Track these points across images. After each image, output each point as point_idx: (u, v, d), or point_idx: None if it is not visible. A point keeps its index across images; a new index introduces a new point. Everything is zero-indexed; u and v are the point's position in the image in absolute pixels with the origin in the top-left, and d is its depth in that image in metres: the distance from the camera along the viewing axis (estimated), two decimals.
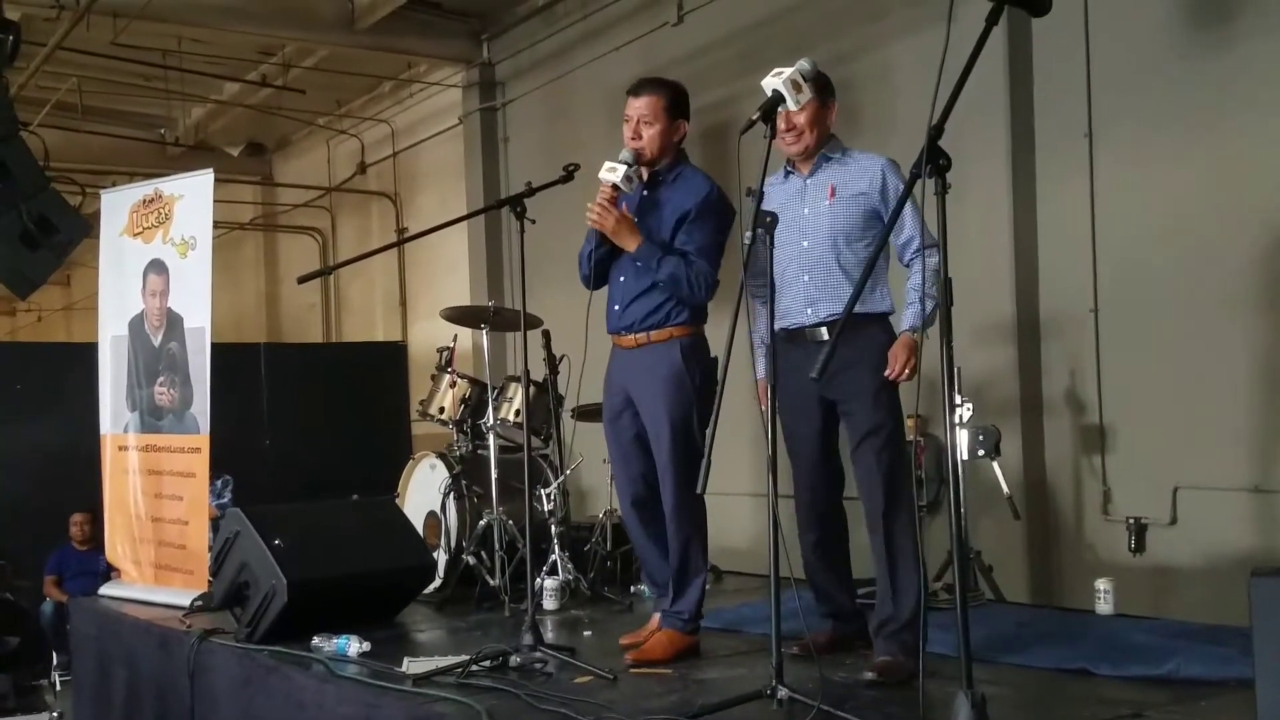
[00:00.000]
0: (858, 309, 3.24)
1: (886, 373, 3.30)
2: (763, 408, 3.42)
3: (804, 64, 3.18)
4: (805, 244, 3.46)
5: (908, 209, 3.30)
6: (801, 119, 3.42)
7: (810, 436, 3.49)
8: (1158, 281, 4.95)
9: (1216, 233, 4.75)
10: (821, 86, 3.45)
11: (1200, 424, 4.78)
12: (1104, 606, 4.07)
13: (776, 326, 3.40)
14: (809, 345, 3.40)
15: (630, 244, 3.59)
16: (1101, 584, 4.11)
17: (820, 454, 3.51)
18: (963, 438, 4.64)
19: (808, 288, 3.44)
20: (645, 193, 3.72)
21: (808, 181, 3.51)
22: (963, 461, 4.66)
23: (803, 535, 3.56)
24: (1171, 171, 4.90)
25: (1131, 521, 4.89)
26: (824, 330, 3.40)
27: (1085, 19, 5.15)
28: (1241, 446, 4.67)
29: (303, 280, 4.34)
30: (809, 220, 3.47)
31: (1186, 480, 4.84)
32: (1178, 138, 4.87)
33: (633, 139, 3.65)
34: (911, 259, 3.38)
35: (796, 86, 3.13)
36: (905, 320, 3.35)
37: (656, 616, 3.80)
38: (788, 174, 3.58)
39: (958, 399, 4.57)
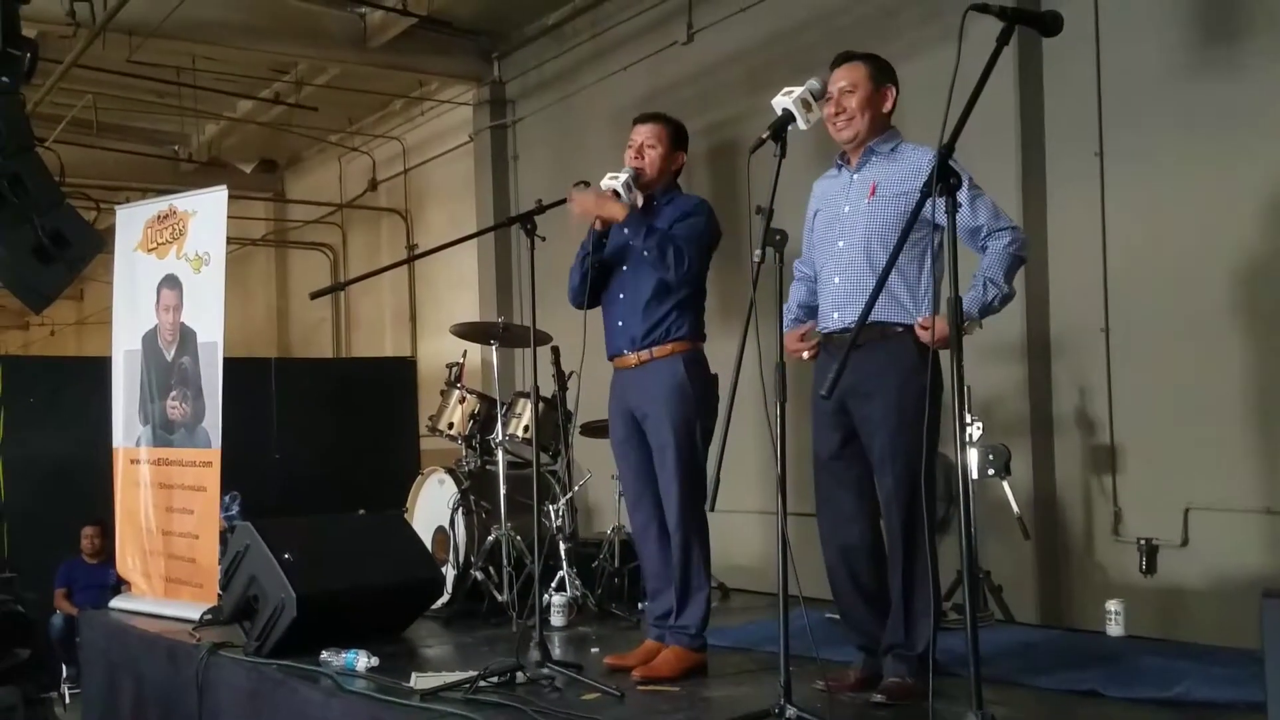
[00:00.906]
0: (890, 318, 3.19)
1: (922, 333, 3.10)
2: (790, 350, 3.31)
3: (814, 83, 3.19)
4: (840, 244, 3.31)
5: (976, 197, 3.15)
6: (852, 101, 3.27)
7: (834, 448, 3.32)
8: (1169, 300, 4.93)
9: (1229, 251, 4.74)
10: (880, 69, 3.33)
11: (1212, 444, 4.76)
12: (1114, 628, 4.06)
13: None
14: (836, 353, 3.19)
15: (619, 212, 3.66)
16: (1112, 605, 4.09)
17: (846, 467, 3.31)
18: (972, 457, 4.63)
19: (838, 291, 3.30)
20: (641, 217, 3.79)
21: (853, 177, 3.35)
22: (972, 481, 4.65)
23: (826, 557, 3.38)
24: (1183, 189, 4.88)
25: (1142, 542, 4.86)
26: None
27: (1096, 38, 5.15)
28: (1254, 467, 4.64)
29: (315, 296, 4.37)
30: (847, 219, 3.31)
31: (1198, 501, 4.81)
32: (1190, 156, 4.86)
33: (635, 158, 3.79)
34: (982, 244, 3.20)
35: (806, 105, 3.14)
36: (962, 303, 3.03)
37: (648, 640, 3.79)
38: (839, 167, 3.43)
39: (967, 417, 4.56)
